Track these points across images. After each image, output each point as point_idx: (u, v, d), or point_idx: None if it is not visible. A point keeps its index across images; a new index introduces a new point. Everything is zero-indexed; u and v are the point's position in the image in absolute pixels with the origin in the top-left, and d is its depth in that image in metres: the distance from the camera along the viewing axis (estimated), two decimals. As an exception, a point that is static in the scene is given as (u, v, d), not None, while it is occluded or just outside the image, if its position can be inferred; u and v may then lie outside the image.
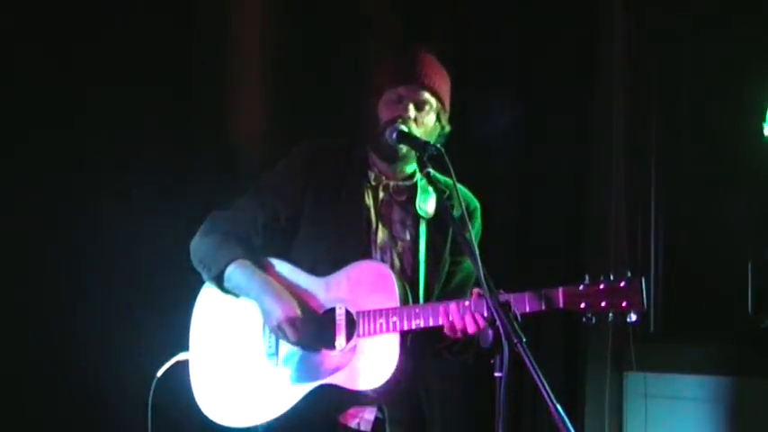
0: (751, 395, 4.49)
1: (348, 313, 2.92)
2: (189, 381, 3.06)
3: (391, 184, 3.09)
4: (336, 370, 2.89)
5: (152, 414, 3.00)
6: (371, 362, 2.88)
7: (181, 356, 3.05)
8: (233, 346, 3.01)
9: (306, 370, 2.92)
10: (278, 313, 2.91)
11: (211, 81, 4.23)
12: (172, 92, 4.11)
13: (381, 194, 3.08)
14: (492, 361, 2.56)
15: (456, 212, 2.88)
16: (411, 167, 3.09)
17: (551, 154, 4.87)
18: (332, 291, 2.94)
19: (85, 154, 4.02)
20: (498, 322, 2.50)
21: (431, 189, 2.99)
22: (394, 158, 3.04)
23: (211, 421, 2.99)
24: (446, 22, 4.86)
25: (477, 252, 2.60)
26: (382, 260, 3.00)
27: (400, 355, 2.85)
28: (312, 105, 4.27)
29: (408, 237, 3.06)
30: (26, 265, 3.91)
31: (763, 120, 4.48)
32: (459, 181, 2.77)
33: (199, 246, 3.07)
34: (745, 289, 4.59)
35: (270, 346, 2.96)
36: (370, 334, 2.88)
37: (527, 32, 4.90)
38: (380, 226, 3.05)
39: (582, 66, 4.87)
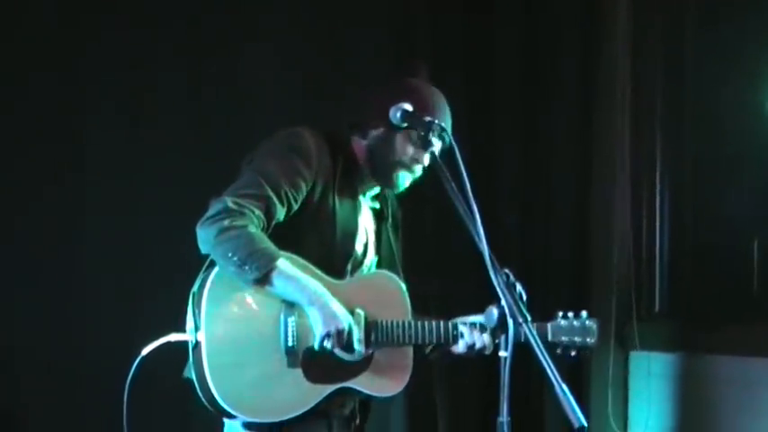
0: (754, 375, 4.51)
1: (365, 320, 2.92)
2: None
3: (369, 193, 3.11)
4: (356, 374, 2.93)
5: (130, 393, 2.78)
6: (391, 369, 2.98)
7: (172, 337, 2.83)
8: (250, 336, 2.85)
9: (325, 371, 2.89)
10: (343, 321, 2.84)
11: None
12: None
13: (362, 200, 3.09)
14: (497, 341, 2.59)
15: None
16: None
17: (555, 143, 4.88)
18: (351, 297, 2.91)
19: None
20: (504, 302, 2.49)
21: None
22: (390, 189, 3.09)
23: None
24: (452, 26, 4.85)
25: (483, 232, 2.59)
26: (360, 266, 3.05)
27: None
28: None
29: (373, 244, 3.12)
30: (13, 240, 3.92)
31: (766, 98, 4.49)
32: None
33: (229, 242, 2.76)
34: (750, 270, 4.60)
35: (290, 343, 2.85)
36: (387, 344, 2.95)
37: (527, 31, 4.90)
38: (365, 234, 3.08)
39: (585, 56, 4.88)
